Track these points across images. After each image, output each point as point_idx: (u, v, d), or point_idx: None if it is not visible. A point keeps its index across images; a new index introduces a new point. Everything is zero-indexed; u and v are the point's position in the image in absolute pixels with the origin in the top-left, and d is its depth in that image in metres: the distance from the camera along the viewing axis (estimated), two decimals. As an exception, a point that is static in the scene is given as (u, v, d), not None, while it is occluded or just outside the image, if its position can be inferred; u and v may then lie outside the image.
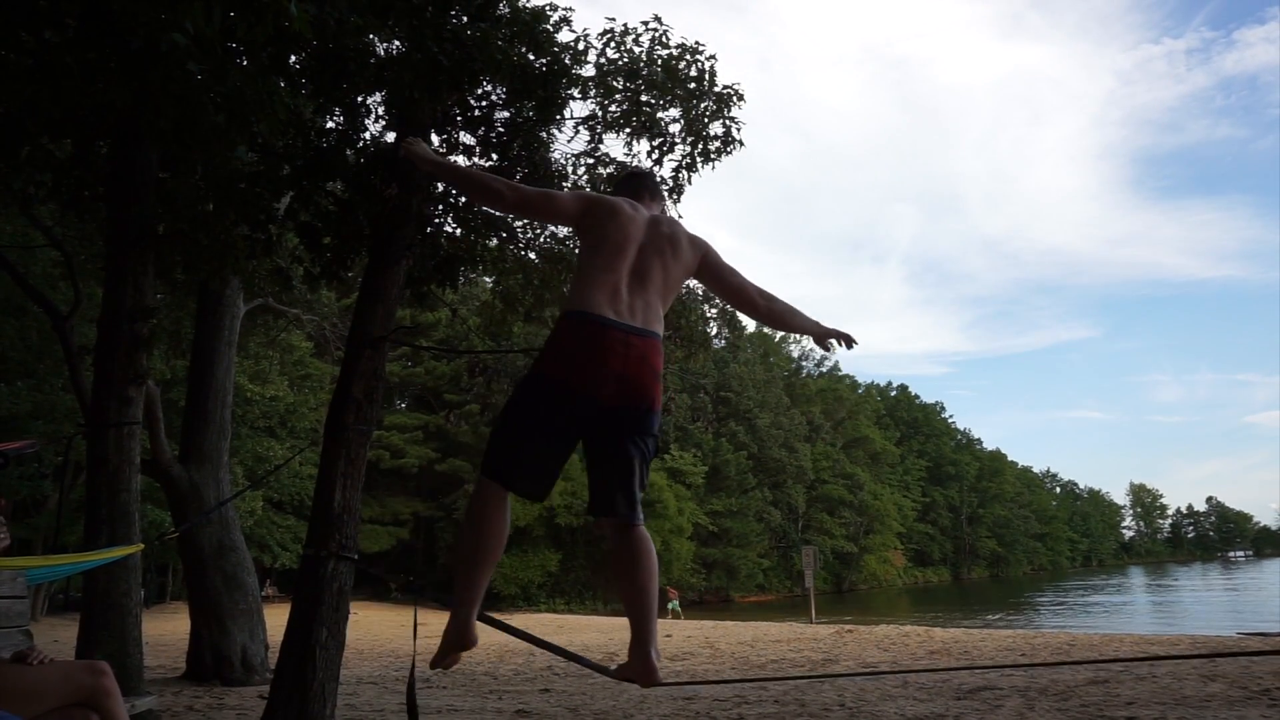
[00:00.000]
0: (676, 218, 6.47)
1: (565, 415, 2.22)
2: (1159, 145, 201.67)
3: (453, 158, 5.86)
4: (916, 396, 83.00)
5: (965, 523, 75.07)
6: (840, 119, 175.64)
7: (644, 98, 6.25)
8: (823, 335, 2.73)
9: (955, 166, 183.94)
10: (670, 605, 26.11)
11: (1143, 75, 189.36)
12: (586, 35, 6.07)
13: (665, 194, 6.36)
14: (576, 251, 6.65)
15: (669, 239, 2.51)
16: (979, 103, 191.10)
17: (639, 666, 2.25)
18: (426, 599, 3.50)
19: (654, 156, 6.38)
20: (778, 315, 2.69)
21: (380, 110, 5.66)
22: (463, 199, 5.82)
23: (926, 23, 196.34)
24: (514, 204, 2.56)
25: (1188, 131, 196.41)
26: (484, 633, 2.68)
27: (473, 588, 2.21)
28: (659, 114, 6.31)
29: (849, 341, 2.74)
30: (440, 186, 5.77)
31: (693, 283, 8.22)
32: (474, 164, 5.87)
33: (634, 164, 6.52)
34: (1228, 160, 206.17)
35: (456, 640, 2.21)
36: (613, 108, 6.32)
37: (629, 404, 2.25)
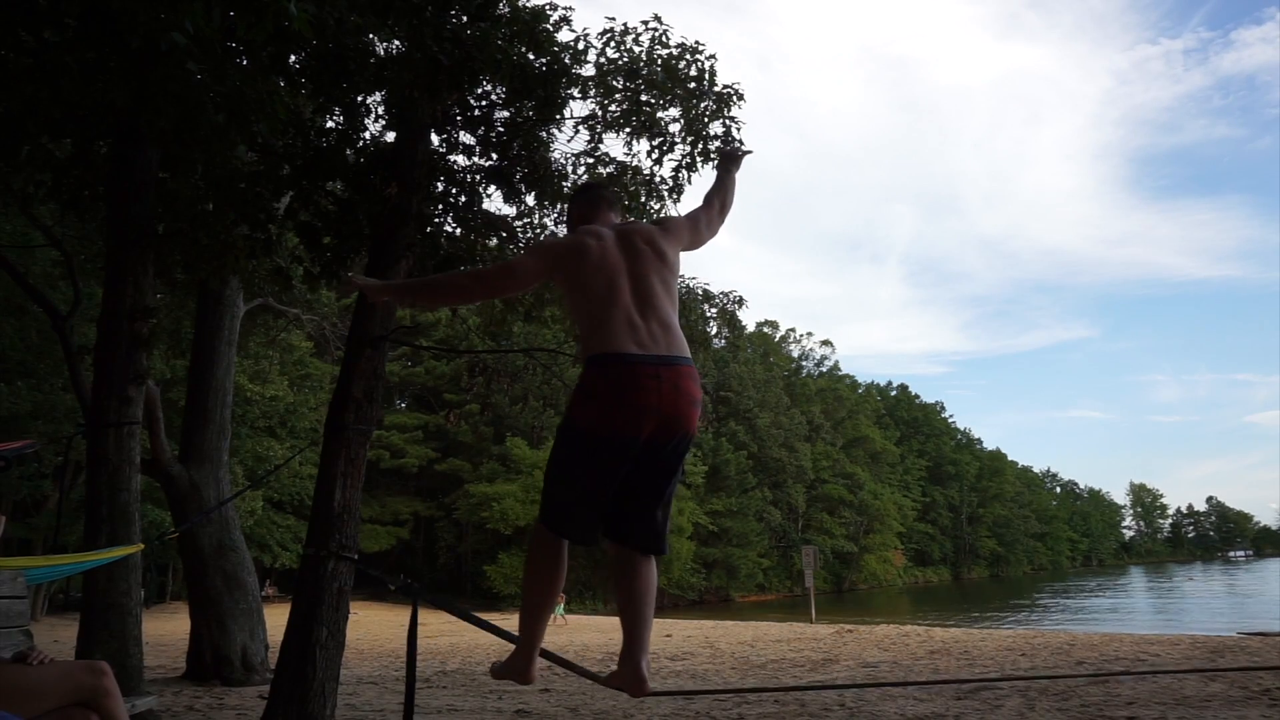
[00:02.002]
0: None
1: (611, 464, 2.22)
2: (1156, 145, 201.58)
3: (452, 158, 5.86)
4: (916, 396, 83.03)
5: (965, 522, 75.05)
6: (838, 119, 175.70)
7: (644, 97, 6.24)
8: (736, 163, 2.87)
9: (953, 166, 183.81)
10: (559, 609, 25.30)
11: (1140, 75, 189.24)
12: (586, 35, 6.07)
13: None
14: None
15: (649, 250, 2.43)
16: (977, 103, 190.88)
17: (629, 676, 2.25)
18: (424, 600, 3.51)
19: (654, 156, 6.38)
20: (728, 203, 2.78)
21: (380, 110, 5.66)
22: (463, 198, 5.82)
23: (924, 23, 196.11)
24: (481, 292, 2.57)
25: (1185, 131, 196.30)
26: (484, 633, 2.68)
27: (536, 630, 2.34)
28: (659, 114, 6.30)
29: (738, 152, 2.91)
30: (440, 186, 5.77)
31: (693, 283, 8.27)
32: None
33: (634, 163, 6.52)
34: (1225, 160, 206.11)
35: (518, 675, 2.38)
36: (613, 107, 6.32)
37: (667, 436, 2.23)
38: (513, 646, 2.40)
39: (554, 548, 2.30)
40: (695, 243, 2.66)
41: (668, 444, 2.24)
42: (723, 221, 2.73)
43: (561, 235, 2.62)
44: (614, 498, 2.29)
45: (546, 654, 2.59)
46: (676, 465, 2.29)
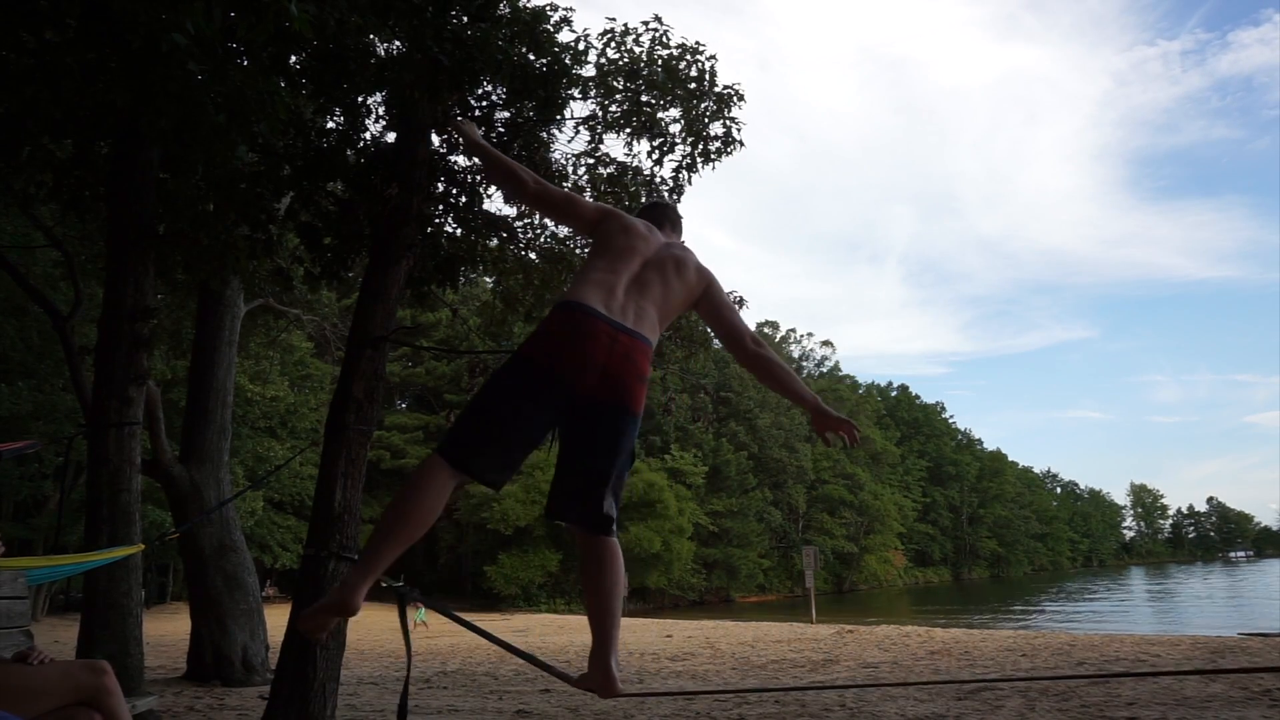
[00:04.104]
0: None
1: (541, 400, 2.17)
2: (1155, 146, 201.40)
3: (453, 158, 5.87)
4: (917, 397, 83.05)
5: (966, 523, 75.05)
6: (837, 120, 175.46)
7: (644, 98, 6.25)
8: (822, 415, 2.50)
9: (952, 167, 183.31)
10: (418, 615, 22.91)
11: (1138, 76, 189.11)
12: (587, 35, 6.07)
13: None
14: (578, 252, 6.66)
15: (676, 262, 2.52)
16: (975, 104, 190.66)
17: (599, 676, 2.22)
18: (417, 599, 3.49)
19: (654, 156, 6.38)
20: (764, 363, 2.58)
21: (380, 110, 5.66)
22: (463, 198, 5.82)
23: (922, 24, 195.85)
24: (534, 196, 2.66)
25: (1184, 132, 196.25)
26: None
27: (381, 560, 2.08)
28: (659, 114, 6.31)
29: (850, 437, 2.48)
30: (440, 186, 5.78)
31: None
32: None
33: (634, 164, 6.53)
34: (1224, 161, 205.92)
35: (340, 604, 2.06)
36: (613, 108, 6.32)
37: (605, 399, 2.20)
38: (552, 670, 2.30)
39: (442, 481, 2.12)
40: (713, 317, 2.63)
41: (606, 410, 2.20)
42: (739, 354, 2.63)
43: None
44: (563, 474, 2.25)
45: (522, 654, 2.56)
46: (620, 443, 2.22)
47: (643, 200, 6.50)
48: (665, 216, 2.80)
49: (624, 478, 2.29)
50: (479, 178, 5.87)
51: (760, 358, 2.61)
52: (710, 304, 2.63)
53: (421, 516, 2.09)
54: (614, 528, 2.27)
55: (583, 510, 2.24)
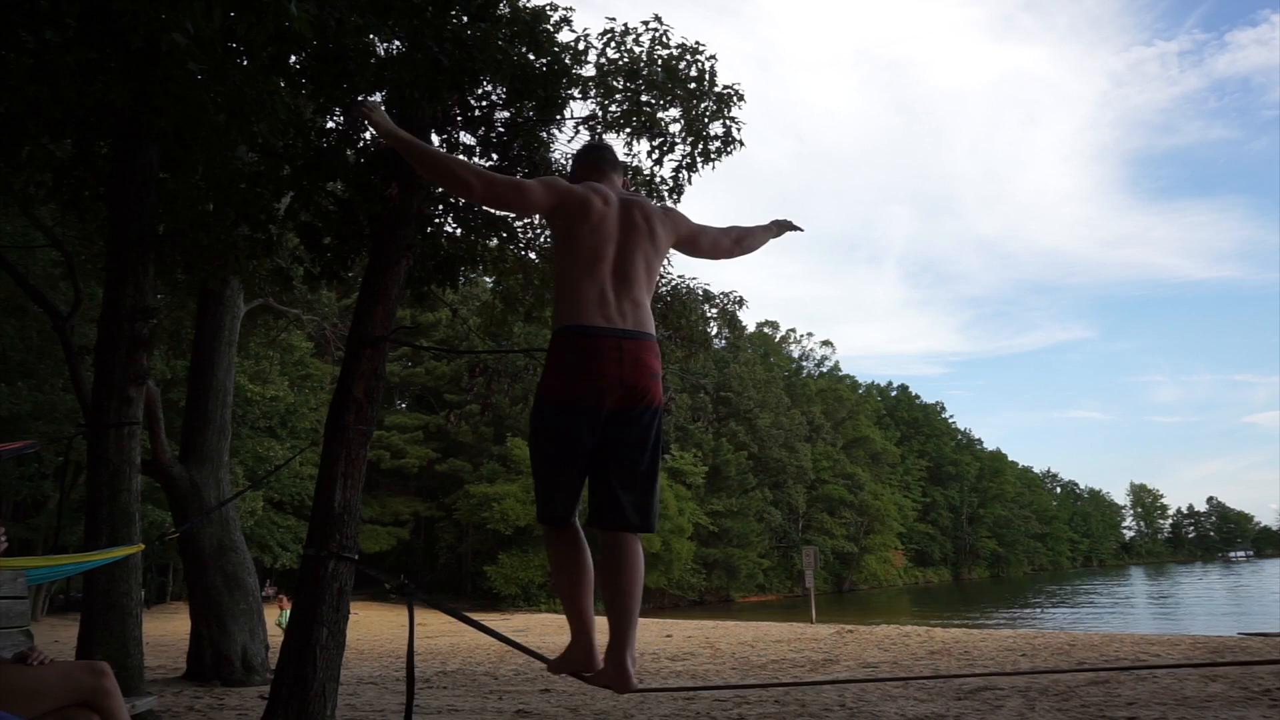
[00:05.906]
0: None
1: (580, 432, 2.26)
2: (1153, 146, 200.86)
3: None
4: (917, 397, 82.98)
5: (966, 523, 75.01)
6: (835, 121, 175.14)
7: (644, 98, 6.25)
8: (780, 232, 2.95)
9: (950, 168, 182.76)
10: (279, 618, 21.46)
11: (1135, 77, 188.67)
12: (587, 35, 6.08)
13: (624, 162, 6.24)
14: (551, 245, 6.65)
15: (646, 229, 2.45)
16: (973, 104, 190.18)
17: (614, 672, 2.25)
18: (421, 599, 3.48)
19: (654, 156, 6.39)
20: (746, 246, 2.81)
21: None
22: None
23: (919, 25, 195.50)
24: (483, 196, 2.42)
25: (1181, 133, 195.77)
26: (486, 634, 2.67)
27: (586, 616, 2.37)
28: (659, 114, 6.31)
29: (794, 226, 2.99)
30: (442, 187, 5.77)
31: (693, 283, 8.27)
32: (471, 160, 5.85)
33: (634, 164, 6.52)
34: (1222, 161, 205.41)
35: (580, 664, 2.38)
36: (613, 108, 6.33)
37: (630, 405, 2.27)
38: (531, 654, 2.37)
39: (559, 536, 2.36)
40: (694, 248, 2.67)
41: (633, 414, 2.28)
42: (729, 254, 2.75)
43: (572, 183, 2.55)
44: (598, 480, 2.30)
45: (528, 651, 2.58)
46: (648, 438, 2.30)
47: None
48: (604, 160, 2.66)
49: (658, 468, 2.38)
50: None
51: (743, 245, 2.78)
52: (687, 242, 2.64)
53: (581, 571, 2.35)
54: (653, 520, 2.35)
55: (630, 508, 2.29)
